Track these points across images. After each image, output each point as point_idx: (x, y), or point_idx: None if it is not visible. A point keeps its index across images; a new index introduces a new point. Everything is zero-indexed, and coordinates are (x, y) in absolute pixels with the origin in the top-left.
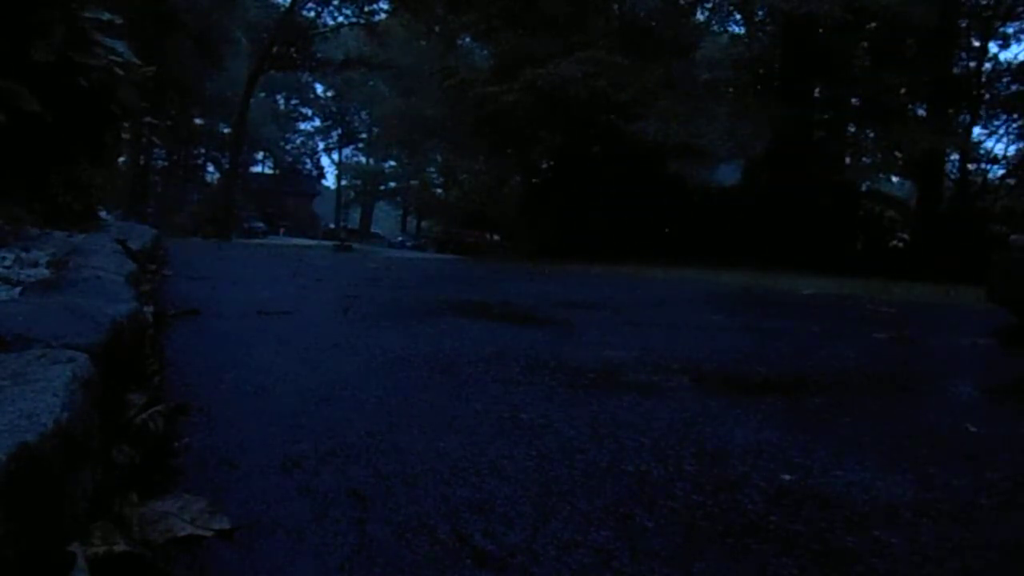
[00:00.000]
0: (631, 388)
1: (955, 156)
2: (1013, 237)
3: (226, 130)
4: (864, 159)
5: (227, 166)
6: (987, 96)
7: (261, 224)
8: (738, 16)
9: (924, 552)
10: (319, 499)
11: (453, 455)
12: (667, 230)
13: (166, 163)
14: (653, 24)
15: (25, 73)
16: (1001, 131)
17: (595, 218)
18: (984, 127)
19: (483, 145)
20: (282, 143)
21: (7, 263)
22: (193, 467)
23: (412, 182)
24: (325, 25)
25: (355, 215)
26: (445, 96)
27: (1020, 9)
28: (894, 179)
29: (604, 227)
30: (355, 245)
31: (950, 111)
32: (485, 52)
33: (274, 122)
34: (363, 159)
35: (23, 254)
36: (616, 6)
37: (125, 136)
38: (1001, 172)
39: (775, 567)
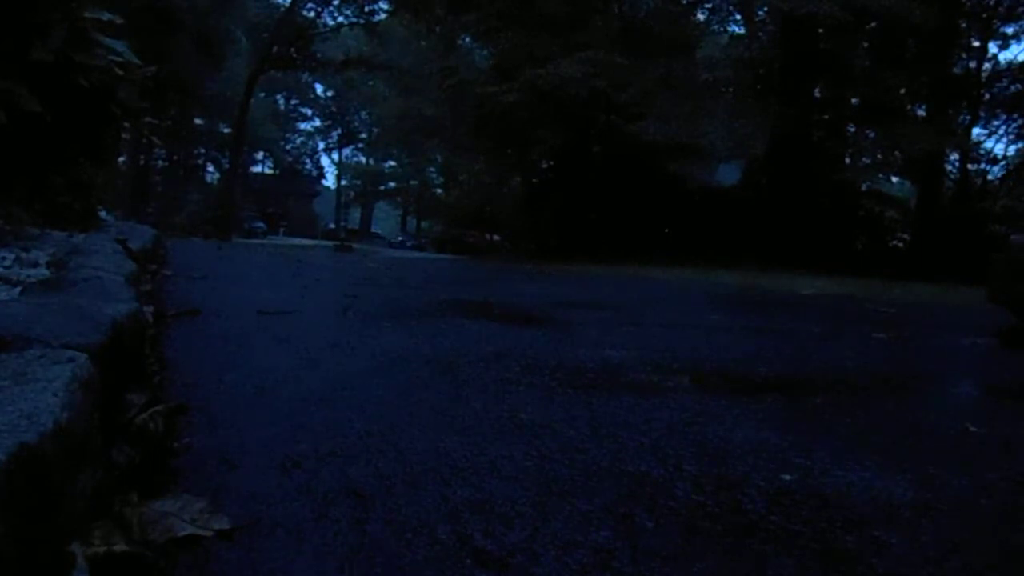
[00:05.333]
0: (631, 388)
1: (955, 156)
2: (1014, 237)
3: (226, 130)
4: (864, 159)
5: (227, 166)
6: (987, 96)
7: (261, 224)
8: (738, 16)
9: (924, 552)
10: (319, 499)
11: (453, 455)
12: (667, 230)
13: (166, 163)
14: (653, 24)
15: (25, 73)
16: (1001, 131)
17: (595, 218)
18: (984, 127)
19: (483, 145)
20: (282, 143)
21: (7, 263)
22: (193, 467)
23: (412, 182)
24: (325, 25)
25: (355, 215)
26: (445, 96)
27: (1020, 9)
28: (894, 179)
29: (604, 227)
30: (355, 245)
31: (950, 111)
32: (485, 52)
33: (274, 122)
34: (363, 159)
35: (23, 254)
36: (616, 6)
37: (125, 136)
38: (1001, 172)
39: (775, 567)
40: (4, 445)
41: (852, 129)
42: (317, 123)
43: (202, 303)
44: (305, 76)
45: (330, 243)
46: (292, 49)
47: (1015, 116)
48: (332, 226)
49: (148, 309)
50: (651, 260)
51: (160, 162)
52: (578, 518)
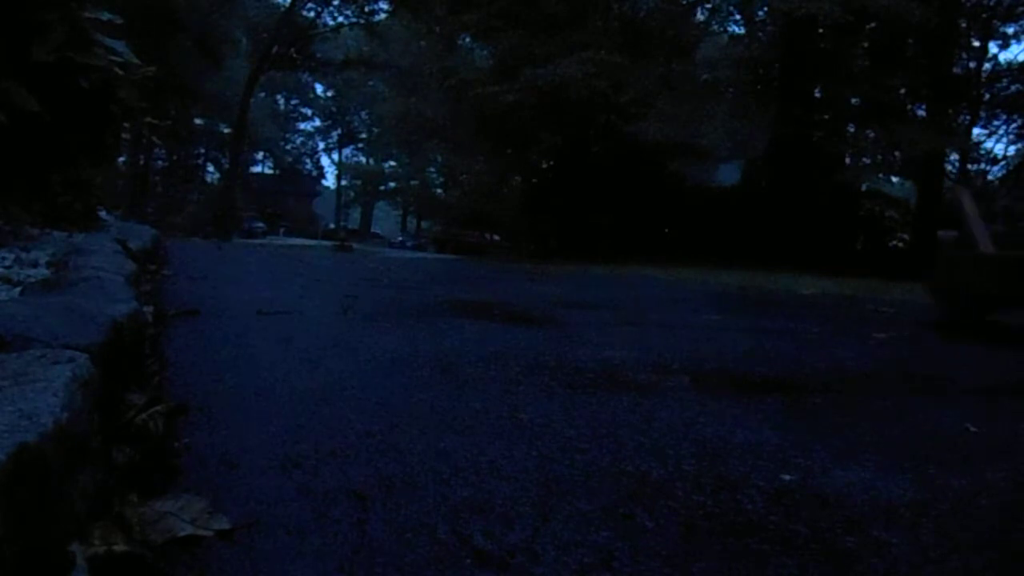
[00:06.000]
0: (631, 388)
1: (955, 156)
2: (941, 233)
3: (226, 130)
4: (864, 159)
5: (227, 166)
6: (987, 96)
7: (261, 224)
8: (738, 16)
9: (924, 552)
10: (319, 499)
11: (453, 455)
12: (667, 230)
13: (166, 163)
14: (653, 24)
15: (25, 73)
16: (1001, 131)
17: (595, 218)
18: (984, 127)
19: (483, 145)
20: (282, 143)
21: (7, 263)
22: (193, 467)
23: (412, 182)
24: (325, 25)
25: (355, 215)
26: (445, 96)
27: (1020, 9)
28: (894, 179)
29: (604, 227)
30: (355, 245)
31: (950, 111)
32: (485, 52)
33: (274, 122)
34: (363, 159)
35: (23, 254)
36: (616, 6)
37: (125, 136)
38: (1001, 172)
39: (775, 567)
40: (4, 445)
41: (852, 129)
42: (317, 123)
43: (202, 303)
44: (305, 76)
45: (330, 243)
46: (292, 49)
47: (1015, 116)
48: (332, 226)
49: (148, 309)
50: (651, 260)
51: (160, 162)
52: (578, 518)
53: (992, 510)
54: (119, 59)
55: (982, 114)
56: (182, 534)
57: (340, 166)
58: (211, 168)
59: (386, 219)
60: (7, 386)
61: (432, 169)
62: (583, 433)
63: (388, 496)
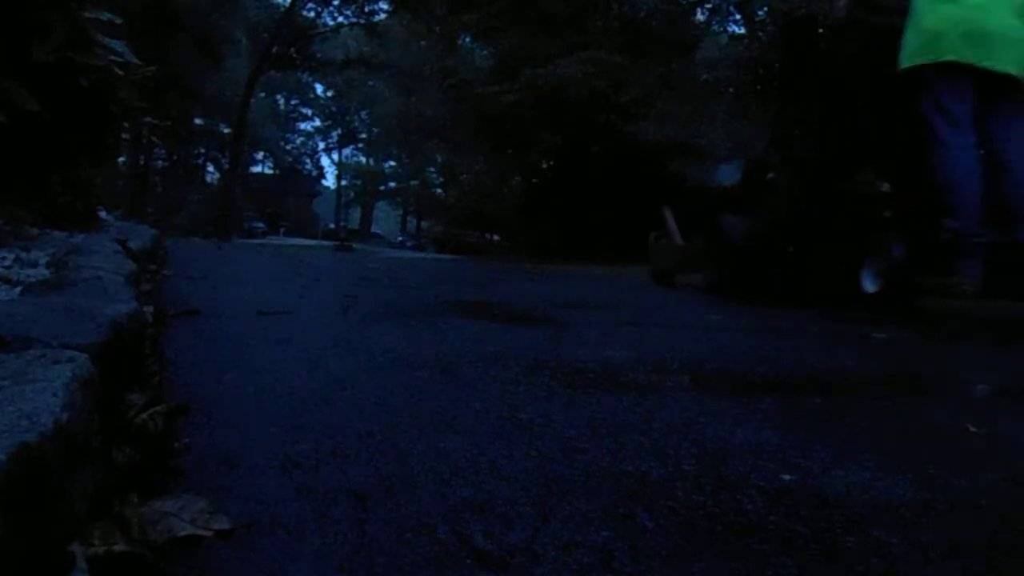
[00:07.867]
0: (631, 388)
1: None
2: (653, 234)
3: (226, 130)
4: None
5: (227, 166)
6: None
7: (261, 224)
8: (738, 16)
9: (924, 552)
10: (319, 499)
11: (453, 455)
12: None
13: (166, 163)
14: (653, 24)
15: (25, 73)
16: None
17: (595, 218)
18: None
19: (483, 145)
20: (282, 143)
21: (7, 263)
22: (193, 467)
23: (412, 182)
24: (325, 25)
25: (355, 215)
26: (445, 96)
27: None
28: None
29: (604, 227)
30: (355, 245)
31: None
32: (485, 52)
33: (274, 122)
34: (363, 159)
35: (23, 254)
36: (616, 6)
37: (125, 136)
38: None
39: (775, 567)
40: (4, 445)
41: None
42: (317, 123)
43: (202, 303)
44: (305, 76)
45: (330, 243)
46: (292, 49)
47: None
48: (332, 226)
49: (148, 309)
50: None
51: (160, 162)
52: (578, 518)
53: (992, 510)
54: (119, 59)
55: None
56: (182, 534)
57: (340, 166)
58: (211, 168)
59: (386, 219)
60: (7, 386)
61: (432, 169)
62: (583, 433)
63: (388, 496)
